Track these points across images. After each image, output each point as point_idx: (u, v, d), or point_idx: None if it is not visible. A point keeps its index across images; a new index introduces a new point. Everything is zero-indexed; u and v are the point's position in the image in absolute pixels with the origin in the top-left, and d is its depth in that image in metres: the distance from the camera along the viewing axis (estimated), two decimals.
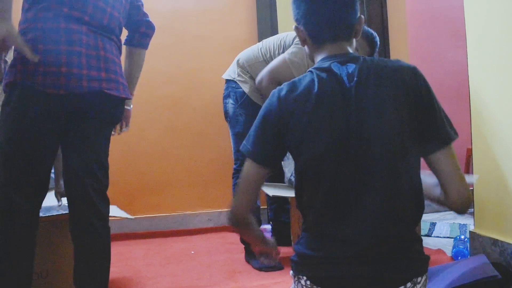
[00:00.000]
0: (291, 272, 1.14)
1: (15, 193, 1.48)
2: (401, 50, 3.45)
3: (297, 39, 2.28)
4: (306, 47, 1.18)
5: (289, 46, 2.32)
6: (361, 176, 1.02)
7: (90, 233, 1.58)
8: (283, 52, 2.35)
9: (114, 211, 2.48)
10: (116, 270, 2.43)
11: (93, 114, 1.60)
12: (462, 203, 1.06)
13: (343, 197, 1.03)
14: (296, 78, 1.12)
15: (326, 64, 1.09)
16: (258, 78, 2.34)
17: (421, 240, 1.09)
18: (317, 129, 1.04)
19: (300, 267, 1.09)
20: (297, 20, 1.15)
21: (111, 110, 1.67)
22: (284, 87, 1.11)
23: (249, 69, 2.44)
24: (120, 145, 3.27)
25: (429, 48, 3.48)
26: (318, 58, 1.14)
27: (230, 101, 2.47)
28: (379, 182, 1.02)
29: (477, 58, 2.15)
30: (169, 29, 3.31)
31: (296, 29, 1.16)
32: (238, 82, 2.44)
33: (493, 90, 2.08)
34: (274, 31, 3.30)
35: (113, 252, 2.74)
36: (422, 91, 1.07)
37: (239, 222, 1.17)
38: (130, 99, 1.83)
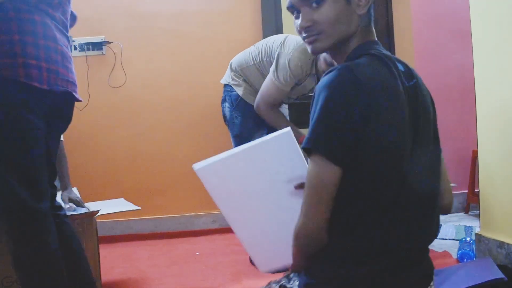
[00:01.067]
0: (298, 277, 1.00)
1: (29, 197, 1.41)
2: (407, 51, 3.44)
3: (283, 46, 2.28)
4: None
5: (273, 54, 2.33)
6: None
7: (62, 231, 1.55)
8: (267, 58, 2.37)
9: (122, 204, 2.48)
10: (121, 271, 2.44)
11: (60, 115, 1.58)
12: (451, 203, 1.11)
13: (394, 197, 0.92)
14: (360, 63, 0.94)
15: (377, 53, 0.98)
16: (255, 105, 2.37)
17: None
18: (392, 125, 0.91)
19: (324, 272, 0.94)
20: None
21: (70, 114, 1.63)
22: (355, 67, 0.92)
23: (241, 72, 2.48)
24: (125, 147, 3.29)
25: (434, 48, 3.47)
26: (353, 43, 1.02)
27: (227, 104, 2.52)
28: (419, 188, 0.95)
29: (483, 59, 2.14)
30: (174, 31, 3.32)
31: None
32: (232, 86, 2.49)
33: (499, 91, 2.07)
34: (279, 33, 3.27)
35: (118, 253, 2.78)
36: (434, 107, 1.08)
37: (316, 245, 0.92)
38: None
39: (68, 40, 1.59)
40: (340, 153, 0.88)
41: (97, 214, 1.96)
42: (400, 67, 0.99)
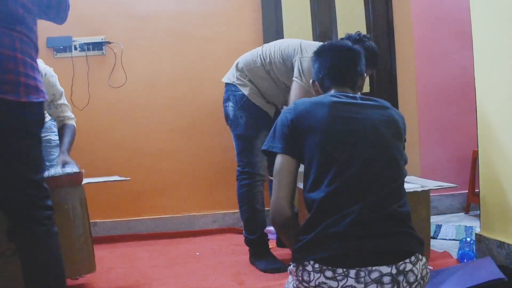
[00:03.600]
0: (290, 267, 1.26)
1: None
2: (407, 51, 3.44)
3: (302, 51, 2.32)
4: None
5: (288, 57, 2.35)
6: (361, 173, 1.28)
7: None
8: (280, 60, 2.38)
9: (110, 178, 2.50)
10: (121, 271, 2.44)
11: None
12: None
13: (348, 189, 1.25)
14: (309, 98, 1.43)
15: (335, 93, 1.42)
16: None
17: (410, 216, 1.28)
18: (327, 127, 1.32)
19: (305, 252, 1.19)
20: (313, 75, 1.53)
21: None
22: (300, 101, 1.40)
23: (247, 73, 2.47)
24: (125, 147, 3.29)
25: (435, 49, 3.46)
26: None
27: (230, 104, 2.50)
28: (373, 178, 1.27)
29: (483, 60, 2.14)
30: (174, 31, 3.32)
31: (313, 83, 1.53)
32: (237, 86, 2.48)
33: (499, 92, 2.07)
34: (279, 33, 3.30)
35: (118, 254, 2.78)
36: (403, 130, 1.43)
37: (284, 219, 1.28)
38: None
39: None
40: (286, 148, 1.34)
41: (85, 182, 2.00)
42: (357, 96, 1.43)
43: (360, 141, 1.29)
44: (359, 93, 1.49)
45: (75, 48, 3.22)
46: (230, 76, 2.55)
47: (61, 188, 1.86)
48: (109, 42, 3.26)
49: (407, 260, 1.17)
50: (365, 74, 1.53)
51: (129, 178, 2.43)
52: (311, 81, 1.53)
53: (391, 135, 1.33)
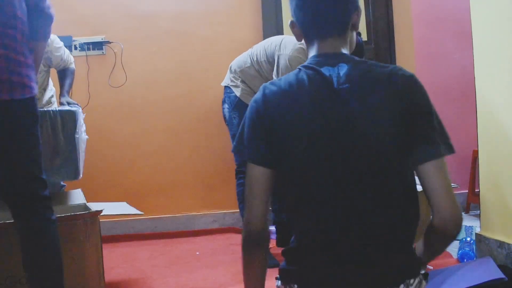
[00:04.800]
0: (278, 282, 1.09)
1: None
2: (407, 51, 3.44)
3: (281, 48, 2.32)
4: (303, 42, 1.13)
5: (271, 55, 2.38)
6: (346, 179, 0.99)
7: None
8: (265, 59, 2.42)
9: (125, 208, 2.50)
10: (121, 271, 2.45)
11: None
12: (456, 225, 0.99)
13: (327, 199, 1.00)
14: (284, 76, 1.08)
15: (314, 63, 1.05)
16: None
17: (412, 241, 1.04)
18: (299, 129, 1.00)
19: (291, 274, 1.05)
20: (292, 15, 1.11)
21: None
22: (269, 85, 1.07)
23: (240, 74, 2.54)
24: (125, 147, 3.29)
25: (435, 49, 3.47)
26: (310, 55, 1.09)
27: (226, 105, 2.60)
28: (365, 187, 0.99)
29: (484, 59, 2.14)
30: (174, 31, 3.32)
31: (291, 24, 1.11)
32: (231, 87, 2.56)
33: (499, 91, 2.07)
34: (279, 33, 3.29)
35: (119, 253, 2.78)
36: (418, 101, 1.01)
37: (257, 238, 1.05)
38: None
39: None
40: (256, 155, 1.04)
41: (100, 214, 1.97)
42: (341, 70, 1.02)
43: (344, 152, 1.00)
44: (354, 33, 1.13)
45: (75, 48, 3.22)
46: (226, 79, 2.63)
47: (77, 221, 1.88)
48: (109, 42, 3.26)
49: None
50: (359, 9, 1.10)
51: (142, 213, 2.46)
52: (289, 21, 1.13)
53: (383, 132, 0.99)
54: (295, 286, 1.02)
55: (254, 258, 1.09)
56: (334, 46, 1.06)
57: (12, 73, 1.45)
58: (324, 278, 1.00)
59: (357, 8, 1.07)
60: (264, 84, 1.09)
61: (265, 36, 3.28)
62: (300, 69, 1.07)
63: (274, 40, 2.44)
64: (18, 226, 1.54)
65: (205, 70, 3.33)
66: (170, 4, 3.34)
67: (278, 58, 2.32)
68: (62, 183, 2.47)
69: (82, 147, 2.15)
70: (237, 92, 2.51)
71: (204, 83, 3.32)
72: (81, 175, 2.15)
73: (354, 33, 1.12)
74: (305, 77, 1.03)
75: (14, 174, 1.51)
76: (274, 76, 2.33)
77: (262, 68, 2.45)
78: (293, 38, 2.34)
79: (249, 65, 2.49)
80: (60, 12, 3.23)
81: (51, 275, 1.53)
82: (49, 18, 1.64)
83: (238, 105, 2.51)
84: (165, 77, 3.32)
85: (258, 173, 1.04)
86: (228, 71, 2.62)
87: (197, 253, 2.74)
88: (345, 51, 1.07)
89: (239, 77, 2.54)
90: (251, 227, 1.05)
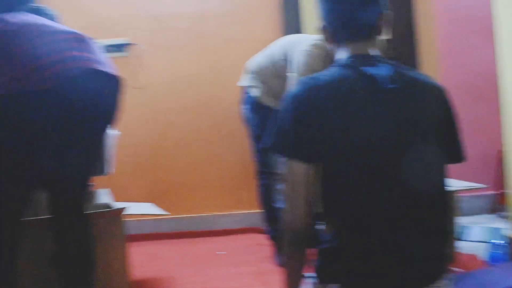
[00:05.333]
0: (311, 281, 1.08)
1: None
2: (430, 50, 3.40)
3: (297, 45, 2.28)
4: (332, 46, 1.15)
5: (287, 53, 2.33)
6: (394, 176, 1.01)
7: None
8: (282, 57, 2.36)
9: (151, 208, 2.54)
10: (146, 269, 2.48)
11: None
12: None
13: (374, 198, 1.00)
14: (323, 72, 1.06)
15: (351, 62, 1.06)
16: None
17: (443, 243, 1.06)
18: (347, 125, 1.00)
19: (331, 274, 1.03)
20: (321, 19, 1.13)
21: None
22: (310, 80, 1.05)
23: (257, 74, 2.51)
24: (148, 147, 3.33)
25: (458, 47, 3.41)
26: (341, 56, 1.11)
27: (245, 106, 2.58)
28: (410, 191, 1.00)
29: (507, 56, 2.11)
30: (195, 32, 3.35)
31: (322, 28, 1.14)
32: (249, 88, 2.54)
33: None
34: (299, 32, 3.29)
35: (144, 252, 2.82)
36: (449, 112, 1.10)
37: (300, 238, 1.04)
38: None
39: None
40: (298, 151, 1.00)
41: (126, 213, 2.00)
42: (381, 70, 1.04)
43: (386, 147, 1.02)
44: (383, 37, 1.13)
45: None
46: (244, 79, 2.61)
47: (102, 219, 1.91)
48: (131, 44, 3.31)
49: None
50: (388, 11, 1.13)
51: (169, 213, 2.50)
52: (321, 26, 1.15)
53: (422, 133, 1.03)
54: (336, 286, 1.01)
55: (296, 254, 1.09)
56: (365, 48, 1.09)
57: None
58: (369, 277, 0.99)
59: (382, 12, 1.10)
60: (302, 79, 1.06)
61: (285, 35, 3.27)
62: (339, 66, 1.07)
63: (290, 38, 2.42)
64: (58, 222, 1.58)
65: (226, 70, 3.35)
66: (190, 5, 3.37)
67: (295, 55, 2.27)
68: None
69: (111, 142, 2.19)
70: (256, 92, 2.49)
71: (225, 83, 3.34)
72: (109, 171, 2.17)
73: (383, 36, 1.14)
74: (347, 74, 1.03)
75: (79, 170, 1.58)
76: (291, 73, 2.29)
77: (279, 67, 2.41)
78: (309, 36, 2.34)
79: (266, 64, 2.46)
80: (83, 15, 3.32)
81: (85, 272, 1.57)
82: None
83: (256, 106, 2.49)
84: (186, 77, 3.35)
85: (300, 170, 1.01)
86: (246, 71, 2.61)
87: (220, 252, 2.76)
88: (375, 53, 1.10)
89: (257, 77, 2.51)
90: (295, 227, 1.04)
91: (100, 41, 3.22)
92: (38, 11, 1.76)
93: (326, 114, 1.00)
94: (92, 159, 1.64)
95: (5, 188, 1.44)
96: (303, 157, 1.01)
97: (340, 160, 1.00)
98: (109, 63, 1.59)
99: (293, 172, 1.02)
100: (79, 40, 1.50)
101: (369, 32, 1.09)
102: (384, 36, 1.14)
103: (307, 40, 2.27)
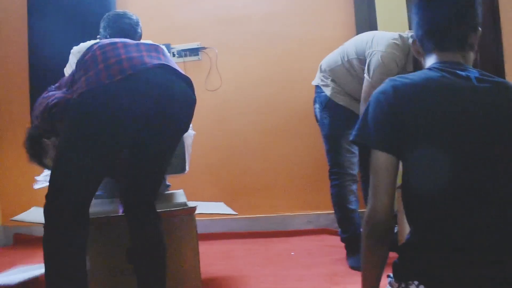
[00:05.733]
0: (389, 279, 1.07)
1: None
2: None
3: (373, 45, 2.23)
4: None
5: (362, 52, 2.29)
6: (482, 172, 1.00)
7: None
8: (356, 56, 2.33)
9: (221, 208, 2.58)
10: (218, 268, 2.53)
11: None
12: None
13: (460, 194, 0.99)
14: (412, 73, 1.11)
15: (441, 67, 1.10)
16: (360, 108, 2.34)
17: None
18: (436, 120, 1.02)
19: (410, 270, 1.01)
20: (414, 29, 1.19)
21: None
22: (398, 78, 1.09)
23: (330, 73, 2.48)
24: (222, 147, 3.40)
25: None
26: (429, 64, 1.15)
27: (317, 105, 2.56)
28: (497, 185, 1.00)
29: None
30: (265, 33, 3.37)
31: (413, 42, 1.21)
32: (321, 87, 2.51)
33: None
34: (373, 29, 3.18)
35: (215, 251, 2.88)
36: None
37: (383, 228, 1.03)
38: None
39: None
40: (382, 143, 1.04)
41: (197, 212, 2.05)
42: (472, 73, 1.08)
43: (477, 143, 1.01)
44: (472, 54, 1.15)
45: (174, 55, 3.40)
46: (316, 78, 2.59)
47: (175, 217, 1.98)
48: (204, 48, 3.40)
49: None
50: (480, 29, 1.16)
51: (237, 213, 2.56)
52: (411, 40, 1.23)
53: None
54: (415, 283, 0.99)
55: (376, 250, 1.06)
56: (453, 57, 1.13)
57: None
58: (451, 275, 0.96)
59: (476, 29, 1.14)
60: (390, 78, 1.10)
61: (358, 33, 3.20)
62: (426, 69, 1.12)
63: (364, 37, 2.36)
64: (133, 219, 1.65)
65: (297, 70, 3.33)
66: (260, 7, 3.40)
67: (370, 55, 2.22)
68: (167, 183, 2.61)
69: (188, 141, 2.25)
70: (328, 91, 2.47)
71: (296, 83, 3.33)
72: (187, 169, 2.24)
73: (472, 53, 1.15)
74: (434, 74, 1.07)
75: (157, 169, 1.66)
76: (365, 75, 2.25)
77: (352, 67, 2.37)
78: (385, 34, 2.26)
79: (339, 63, 2.43)
80: (159, 22, 3.45)
81: (158, 268, 1.64)
82: None
83: (328, 105, 2.47)
84: (257, 78, 3.39)
85: (384, 160, 1.04)
86: (318, 70, 2.58)
87: (292, 253, 2.75)
88: (463, 62, 1.13)
89: (329, 76, 2.49)
90: (377, 216, 1.03)
91: (175, 46, 3.37)
92: (124, 15, 1.95)
93: (411, 109, 1.03)
94: (170, 155, 1.69)
95: (85, 177, 1.50)
96: (384, 147, 1.04)
97: (424, 153, 1.01)
98: (179, 68, 1.69)
99: (376, 162, 1.05)
100: (155, 48, 1.66)
101: (457, 45, 1.13)
102: (473, 54, 1.17)
103: (383, 39, 2.21)
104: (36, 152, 1.83)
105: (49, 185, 1.49)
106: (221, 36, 3.41)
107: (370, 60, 2.22)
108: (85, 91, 1.46)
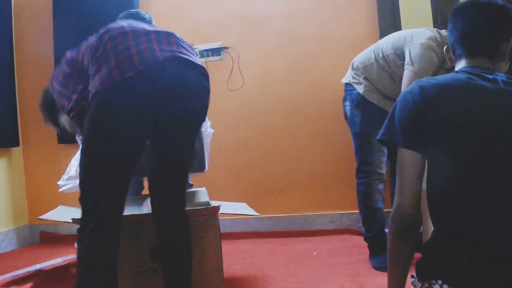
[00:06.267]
0: (413, 279, 1.06)
1: None
2: None
3: (414, 39, 2.23)
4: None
5: (400, 48, 2.28)
6: (506, 175, 0.98)
7: None
8: (393, 52, 2.31)
9: (244, 208, 2.59)
10: (241, 267, 2.52)
11: None
12: None
13: (488, 195, 0.98)
14: (438, 76, 1.13)
15: (469, 70, 1.12)
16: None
17: None
18: (462, 119, 1.02)
19: (434, 269, 1.01)
20: (448, 40, 1.24)
21: None
22: (425, 79, 1.11)
23: (362, 70, 2.46)
24: (244, 147, 3.40)
25: None
26: (459, 67, 1.18)
27: (347, 103, 2.53)
28: None
29: None
30: (287, 32, 3.36)
31: (446, 49, 1.26)
32: (353, 84, 2.49)
33: None
34: (397, 27, 3.15)
35: (237, 250, 2.88)
36: None
37: (408, 224, 1.05)
38: None
39: None
40: (409, 141, 1.07)
41: (219, 212, 2.05)
42: (500, 76, 1.09)
43: (502, 144, 1.01)
44: (504, 64, 1.18)
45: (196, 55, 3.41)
46: (347, 76, 2.57)
47: (200, 217, 1.99)
48: (226, 47, 3.40)
49: None
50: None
51: (259, 214, 2.55)
52: (445, 47, 1.28)
53: None
54: (439, 282, 0.98)
55: (402, 245, 1.07)
56: (482, 63, 1.15)
57: None
58: (475, 275, 0.95)
59: (508, 39, 1.16)
60: (417, 80, 1.13)
61: (381, 31, 3.17)
62: (457, 72, 1.13)
63: (402, 33, 2.35)
64: (161, 217, 1.65)
65: (319, 69, 3.31)
66: (282, 6, 3.38)
67: (410, 49, 2.21)
68: (190, 182, 2.62)
69: (207, 140, 2.26)
70: (360, 89, 2.44)
71: (318, 82, 3.31)
72: (207, 167, 2.25)
73: (504, 63, 1.16)
74: (466, 76, 1.09)
75: (183, 165, 1.66)
76: (406, 66, 2.22)
77: (387, 63, 2.35)
78: (423, 30, 2.27)
79: (372, 61, 2.41)
80: (182, 23, 3.47)
81: (185, 265, 1.64)
82: None
83: (360, 103, 2.44)
84: (279, 78, 3.37)
85: (409, 158, 1.07)
86: (350, 67, 2.56)
87: (315, 253, 2.73)
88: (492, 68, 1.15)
89: (361, 73, 2.46)
90: (403, 212, 1.05)
91: (197, 46, 3.39)
92: (136, 15, 1.92)
93: (437, 108, 1.04)
94: (190, 148, 1.69)
95: (114, 179, 1.51)
96: (411, 145, 1.07)
97: (448, 153, 1.02)
98: (195, 56, 1.69)
99: (403, 160, 1.07)
100: (166, 37, 1.62)
101: (490, 52, 1.15)
102: (505, 64, 1.19)
103: (422, 34, 2.22)
104: (50, 113, 1.87)
105: (80, 190, 1.52)
106: (243, 35, 3.41)
107: (411, 52, 2.21)
108: (99, 91, 1.49)
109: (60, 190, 2.26)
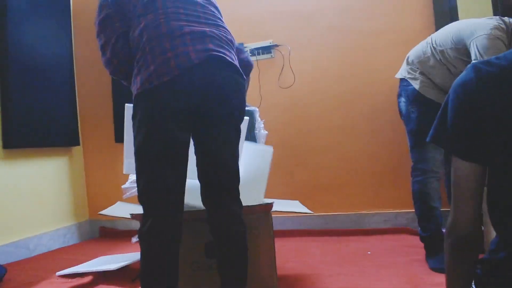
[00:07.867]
0: None
1: None
2: None
3: (476, 31, 2.10)
4: None
5: (461, 41, 2.17)
6: None
7: None
8: (454, 47, 2.20)
9: (297, 206, 2.57)
10: (293, 265, 2.51)
11: None
12: None
13: None
14: (501, 54, 0.91)
15: None
16: None
17: None
18: None
19: (493, 283, 0.92)
20: None
21: None
22: (483, 65, 0.90)
23: (418, 65, 2.37)
24: (295, 144, 3.39)
25: None
26: None
27: (402, 99, 2.45)
28: None
29: None
30: (339, 28, 3.30)
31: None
32: (408, 80, 2.41)
33: None
34: (453, 17, 3.02)
35: (290, 248, 2.87)
36: None
37: (465, 242, 0.92)
38: None
39: None
40: (459, 148, 0.89)
41: (273, 210, 2.05)
42: None
43: None
44: None
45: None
46: (402, 71, 2.49)
47: (253, 214, 2.00)
48: (277, 45, 3.40)
49: None
50: None
51: (312, 212, 2.53)
52: None
53: None
54: None
55: (458, 264, 0.95)
56: None
57: None
58: None
59: None
60: (473, 63, 0.93)
61: (437, 23, 3.05)
62: None
63: (461, 26, 2.23)
64: (216, 214, 1.66)
65: (371, 65, 3.24)
66: (333, 1, 3.33)
67: (476, 43, 2.10)
68: None
69: (261, 141, 2.27)
70: (416, 84, 2.36)
71: (370, 78, 3.24)
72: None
73: None
74: None
75: (233, 160, 1.67)
76: (474, 61, 2.11)
77: (445, 57, 2.25)
78: (479, 21, 2.16)
79: (429, 55, 2.31)
80: (233, 22, 3.48)
81: (241, 262, 1.65)
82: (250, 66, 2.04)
83: (416, 98, 2.35)
84: (331, 74, 3.33)
85: (465, 169, 0.90)
86: (405, 62, 2.47)
87: (369, 252, 2.68)
88: None
89: (417, 68, 2.37)
90: (458, 229, 0.92)
91: (248, 45, 3.40)
92: None
93: (497, 104, 0.85)
94: (234, 144, 1.70)
95: (169, 181, 1.54)
96: (464, 154, 0.89)
97: (510, 160, 0.85)
98: (231, 50, 1.69)
99: (457, 169, 0.91)
100: (201, 36, 1.62)
101: None
102: None
103: (485, 25, 2.10)
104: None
105: (137, 191, 1.57)
106: (294, 32, 3.39)
107: (477, 45, 2.10)
108: (140, 93, 1.55)
109: (124, 196, 2.33)
